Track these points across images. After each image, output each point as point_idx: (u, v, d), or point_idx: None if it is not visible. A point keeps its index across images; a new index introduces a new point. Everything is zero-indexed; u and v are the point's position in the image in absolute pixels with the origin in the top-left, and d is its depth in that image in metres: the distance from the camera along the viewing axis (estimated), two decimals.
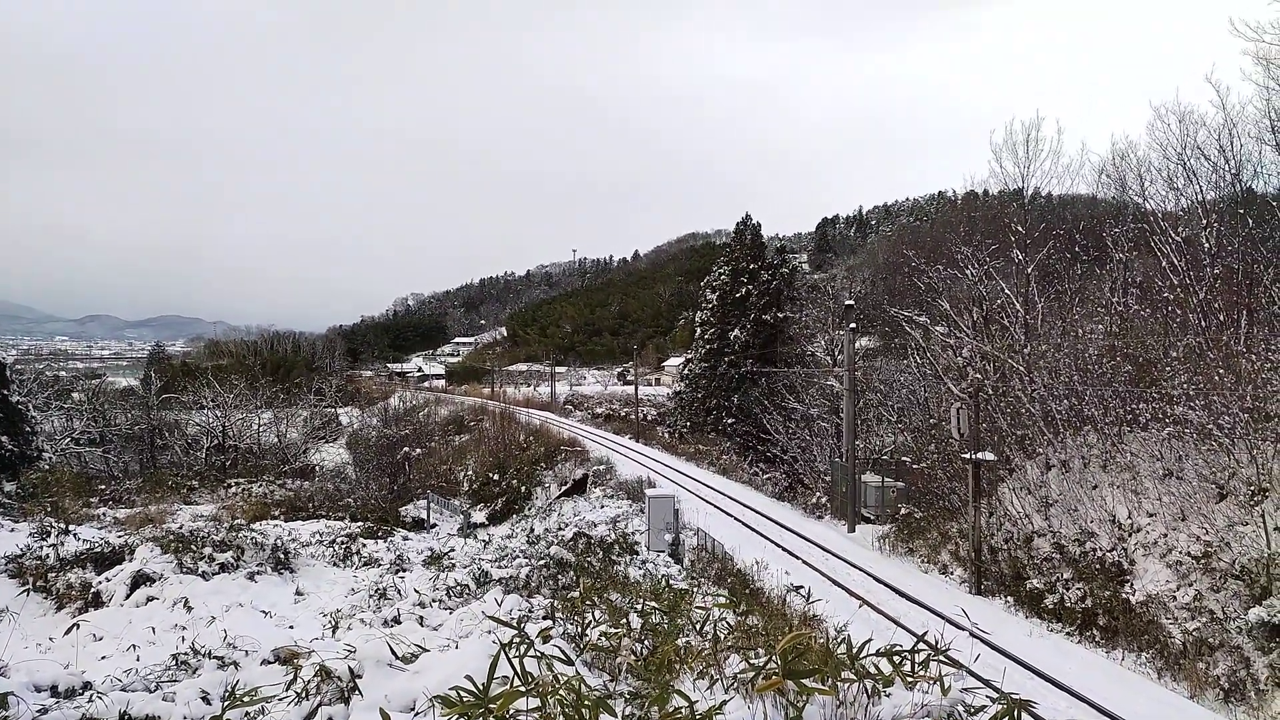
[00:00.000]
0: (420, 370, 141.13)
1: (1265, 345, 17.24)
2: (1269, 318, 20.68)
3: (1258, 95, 23.00)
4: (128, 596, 17.91)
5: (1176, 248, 23.56)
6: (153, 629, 15.36)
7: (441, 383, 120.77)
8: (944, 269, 31.38)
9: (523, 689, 3.85)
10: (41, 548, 20.70)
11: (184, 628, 15.28)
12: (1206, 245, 23.16)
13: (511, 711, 3.67)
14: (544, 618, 8.47)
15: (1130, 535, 16.44)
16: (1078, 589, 16.58)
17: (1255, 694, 12.43)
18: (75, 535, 22.42)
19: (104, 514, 30.24)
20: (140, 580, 18.31)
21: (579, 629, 6.69)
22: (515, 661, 4.10)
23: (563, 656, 4.70)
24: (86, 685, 7.91)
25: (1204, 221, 23.67)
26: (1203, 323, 21.13)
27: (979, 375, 22.73)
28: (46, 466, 37.38)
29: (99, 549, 20.78)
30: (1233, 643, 13.21)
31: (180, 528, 23.26)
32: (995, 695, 4.25)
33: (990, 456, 19.97)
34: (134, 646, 13.70)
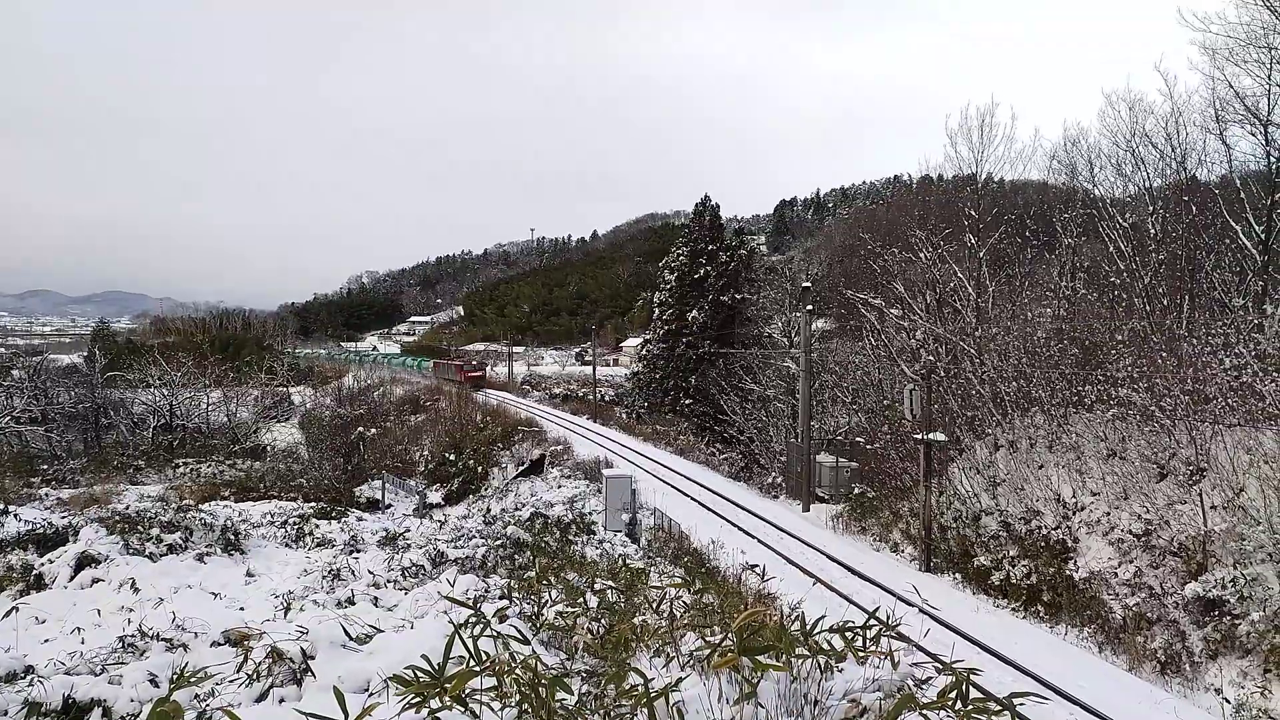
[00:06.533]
0: (375, 349, 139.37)
1: (1205, 329, 17.76)
2: (1209, 303, 21.31)
3: (1204, 85, 23.59)
4: (72, 578, 17.46)
5: (1123, 233, 24.12)
6: (98, 611, 15.01)
7: None
8: (899, 252, 31.76)
9: (478, 668, 3.84)
10: None
11: (131, 610, 14.92)
12: (1152, 231, 23.74)
13: (467, 691, 3.66)
14: (500, 598, 8.45)
15: (1074, 514, 16.89)
16: (1023, 566, 17.00)
17: (1190, 666, 12.90)
18: (16, 516, 21.83)
19: (47, 494, 29.50)
20: (85, 562, 17.85)
21: (535, 609, 6.68)
22: (471, 641, 4.08)
23: (519, 636, 4.70)
24: (29, 669, 7.74)
25: (1150, 208, 24.24)
26: (1147, 307, 21.73)
27: (932, 357, 23.13)
28: None
29: (41, 530, 20.26)
30: (1170, 617, 13.68)
31: (127, 508, 22.75)
32: (942, 668, 4.35)
33: (941, 437, 20.34)
34: (78, 629, 13.38)
